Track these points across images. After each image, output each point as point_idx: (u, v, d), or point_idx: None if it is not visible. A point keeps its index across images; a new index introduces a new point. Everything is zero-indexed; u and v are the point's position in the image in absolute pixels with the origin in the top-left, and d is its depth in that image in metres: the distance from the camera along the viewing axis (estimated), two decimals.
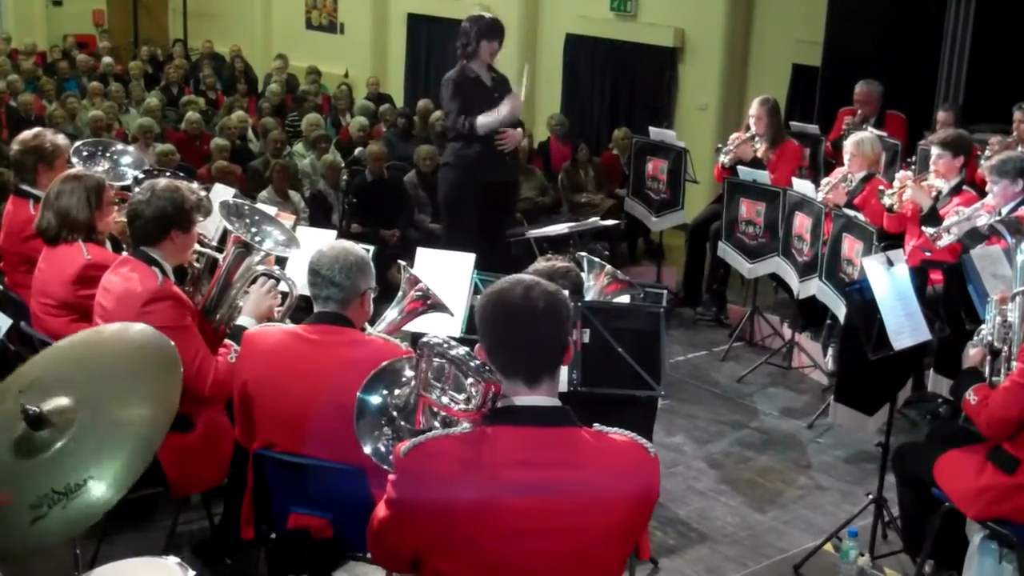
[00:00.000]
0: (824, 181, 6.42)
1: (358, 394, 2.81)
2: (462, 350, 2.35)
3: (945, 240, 5.40)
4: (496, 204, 6.55)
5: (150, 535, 4.21)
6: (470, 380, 2.30)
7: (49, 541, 2.50)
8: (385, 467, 2.66)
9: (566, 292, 2.34)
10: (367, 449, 2.75)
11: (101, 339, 3.06)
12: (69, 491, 2.52)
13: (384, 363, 2.87)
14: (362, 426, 2.78)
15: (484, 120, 6.24)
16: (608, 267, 3.95)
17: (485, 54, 6.33)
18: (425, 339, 2.43)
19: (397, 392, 2.76)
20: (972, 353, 3.98)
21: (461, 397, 2.34)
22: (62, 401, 2.68)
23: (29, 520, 2.50)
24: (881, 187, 6.01)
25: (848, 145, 6.37)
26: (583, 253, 4.04)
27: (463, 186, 6.48)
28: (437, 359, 2.39)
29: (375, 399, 2.80)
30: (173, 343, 2.92)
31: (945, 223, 5.43)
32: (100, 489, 2.53)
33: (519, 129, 6.55)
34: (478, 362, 2.28)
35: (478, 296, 2.43)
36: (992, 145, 6.54)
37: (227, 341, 3.81)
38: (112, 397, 2.72)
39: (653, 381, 3.73)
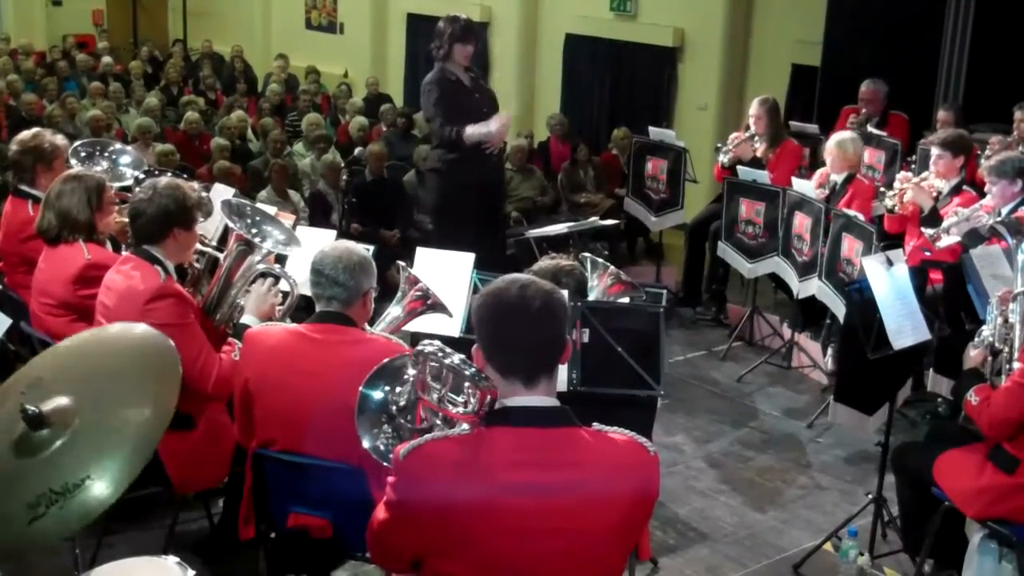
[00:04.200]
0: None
1: (360, 388, 2.82)
2: (457, 358, 2.34)
3: (945, 241, 5.39)
4: (485, 206, 6.52)
5: (150, 535, 4.21)
6: (467, 385, 2.30)
7: (47, 540, 2.50)
8: (384, 464, 2.66)
9: (566, 292, 2.33)
10: (366, 444, 2.75)
11: (104, 339, 3.06)
12: (67, 490, 2.51)
13: (386, 359, 2.87)
14: (363, 420, 2.78)
15: (473, 131, 6.21)
16: (612, 268, 3.94)
17: (460, 57, 6.32)
18: (420, 347, 2.43)
19: (399, 389, 2.75)
20: (973, 354, 3.99)
21: (460, 400, 2.34)
22: (63, 401, 2.68)
23: (27, 520, 2.50)
24: (882, 189, 6.01)
25: (828, 147, 6.36)
26: (587, 254, 4.02)
27: (452, 191, 6.46)
28: (433, 366, 2.39)
29: (377, 395, 2.80)
30: (173, 343, 2.92)
31: (944, 223, 5.42)
32: (98, 488, 2.53)
33: (498, 125, 6.32)
34: (473, 370, 2.28)
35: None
36: (992, 145, 6.53)
37: (231, 339, 3.82)
38: (112, 397, 2.71)
39: (653, 381, 3.73)
